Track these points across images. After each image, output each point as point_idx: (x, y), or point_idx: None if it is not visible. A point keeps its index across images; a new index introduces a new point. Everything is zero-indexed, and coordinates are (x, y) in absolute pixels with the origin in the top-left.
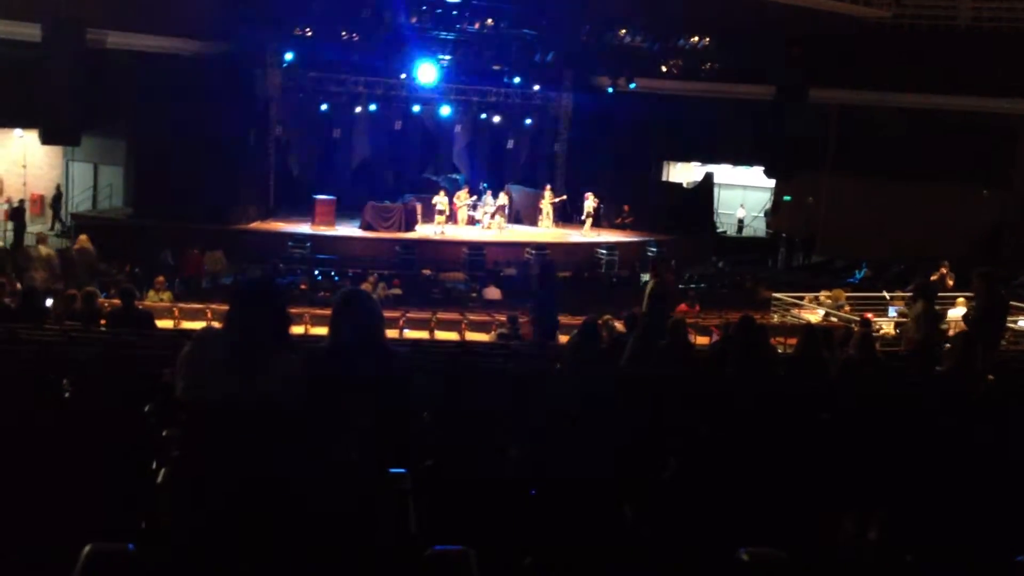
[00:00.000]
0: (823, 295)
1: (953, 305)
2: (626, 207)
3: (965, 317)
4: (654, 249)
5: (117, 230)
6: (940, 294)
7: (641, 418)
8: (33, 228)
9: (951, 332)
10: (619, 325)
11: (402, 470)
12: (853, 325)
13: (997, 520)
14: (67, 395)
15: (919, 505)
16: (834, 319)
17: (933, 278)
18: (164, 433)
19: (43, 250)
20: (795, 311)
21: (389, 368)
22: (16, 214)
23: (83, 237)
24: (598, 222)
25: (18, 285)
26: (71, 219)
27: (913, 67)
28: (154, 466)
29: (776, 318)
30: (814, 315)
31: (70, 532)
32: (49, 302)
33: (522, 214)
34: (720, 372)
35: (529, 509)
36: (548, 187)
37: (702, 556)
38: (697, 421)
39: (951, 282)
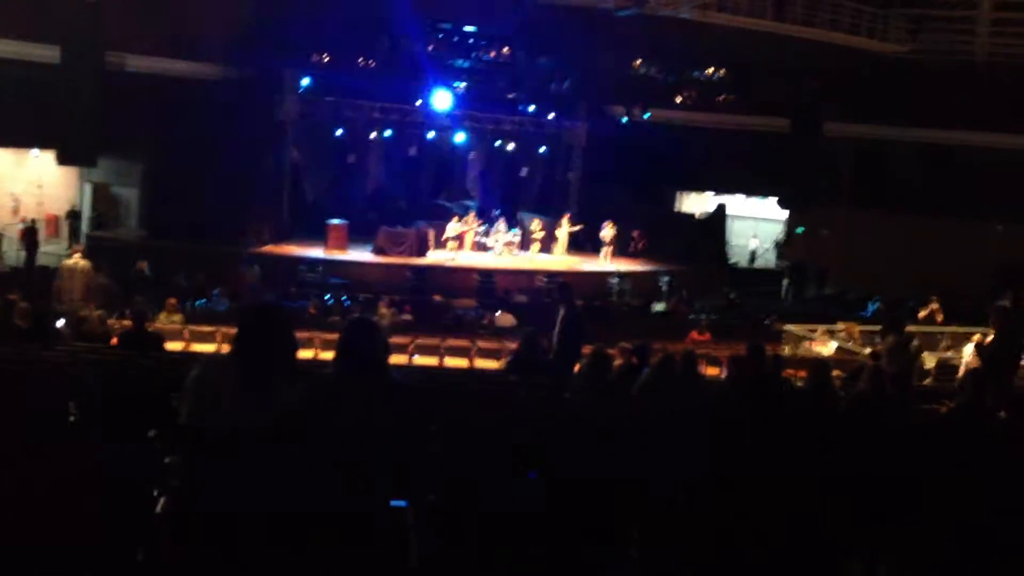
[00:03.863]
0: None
1: (968, 340)
2: (635, 233)
3: (980, 350)
4: (666, 278)
5: (131, 251)
6: (930, 329)
7: (650, 450)
8: (47, 248)
9: (962, 369)
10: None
11: (403, 503)
12: (866, 359)
13: (1008, 560)
14: (72, 419)
15: (928, 545)
16: (847, 353)
17: (922, 314)
18: (167, 460)
19: (81, 264)
20: (806, 343)
21: (393, 398)
22: (29, 234)
23: (143, 263)
24: (617, 251)
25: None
26: (86, 240)
27: (930, 102)
28: (155, 494)
29: (787, 350)
30: (826, 347)
31: (70, 562)
32: (60, 323)
33: (534, 241)
34: (731, 405)
35: (531, 545)
36: (567, 215)
37: None
38: (708, 455)
39: (940, 318)
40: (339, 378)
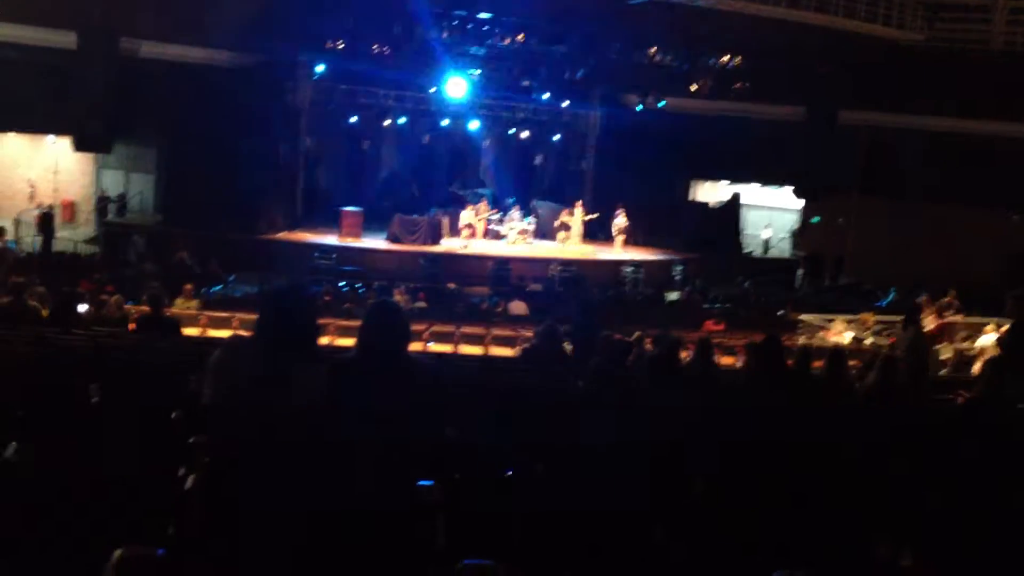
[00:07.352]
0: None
1: (982, 332)
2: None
3: (1000, 342)
4: (680, 267)
5: (145, 237)
6: (947, 320)
7: (668, 438)
8: (63, 233)
9: (980, 360)
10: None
11: (430, 482)
12: (884, 349)
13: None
14: (95, 400)
15: (948, 534)
16: (862, 343)
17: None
18: (191, 440)
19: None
20: (822, 333)
21: (415, 379)
22: (45, 219)
23: (182, 253)
24: (630, 239)
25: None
26: (103, 226)
27: (945, 90)
28: (182, 472)
29: (803, 339)
30: (841, 337)
31: (101, 536)
32: (82, 307)
33: (548, 230)
34: (748, 393)
35: (557, 527)
36: (579, 203)
37: None
38: (725, 442)
39: (954, 312)
40: (361, 359)
